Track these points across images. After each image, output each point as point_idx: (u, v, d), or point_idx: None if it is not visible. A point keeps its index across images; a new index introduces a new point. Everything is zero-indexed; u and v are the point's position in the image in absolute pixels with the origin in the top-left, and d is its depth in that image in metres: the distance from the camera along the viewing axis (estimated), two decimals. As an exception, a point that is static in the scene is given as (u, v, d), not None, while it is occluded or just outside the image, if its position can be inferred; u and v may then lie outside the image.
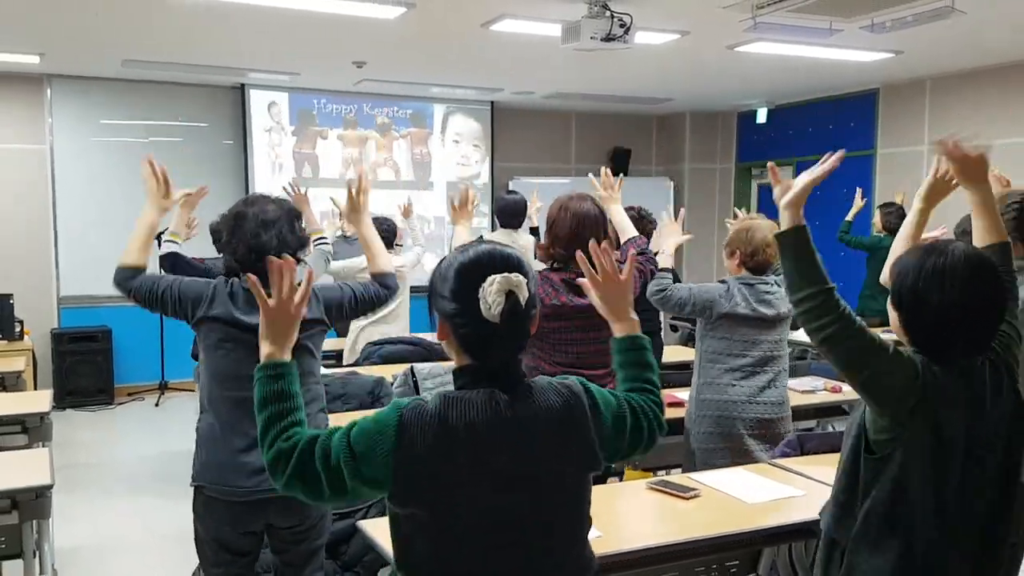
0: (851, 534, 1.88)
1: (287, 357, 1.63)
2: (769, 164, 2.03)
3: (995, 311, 1.84)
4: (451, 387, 1.56)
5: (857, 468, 1.89)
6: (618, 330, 1.76)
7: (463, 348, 1.56)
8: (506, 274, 1.51)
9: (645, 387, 1.74)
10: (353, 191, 2.84)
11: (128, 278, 2.65)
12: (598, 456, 1.60)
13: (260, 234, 2.47)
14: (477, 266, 1.53)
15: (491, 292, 1.49)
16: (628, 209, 5.09)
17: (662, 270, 3.38)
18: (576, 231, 2.94)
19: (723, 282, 3.38)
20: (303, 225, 2.62)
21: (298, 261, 2.58)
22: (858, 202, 6.87)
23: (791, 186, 1.92)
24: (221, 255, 2.67)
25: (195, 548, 2.66)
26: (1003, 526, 1.89)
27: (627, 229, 3.30)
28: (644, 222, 5.11)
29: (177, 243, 3.79)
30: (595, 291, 1.75)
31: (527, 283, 1.53)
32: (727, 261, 3.45)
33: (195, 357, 4.96)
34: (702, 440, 3.37)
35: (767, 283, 3.36)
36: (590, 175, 3.42)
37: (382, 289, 2.72)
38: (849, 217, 6.87)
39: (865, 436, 1.87)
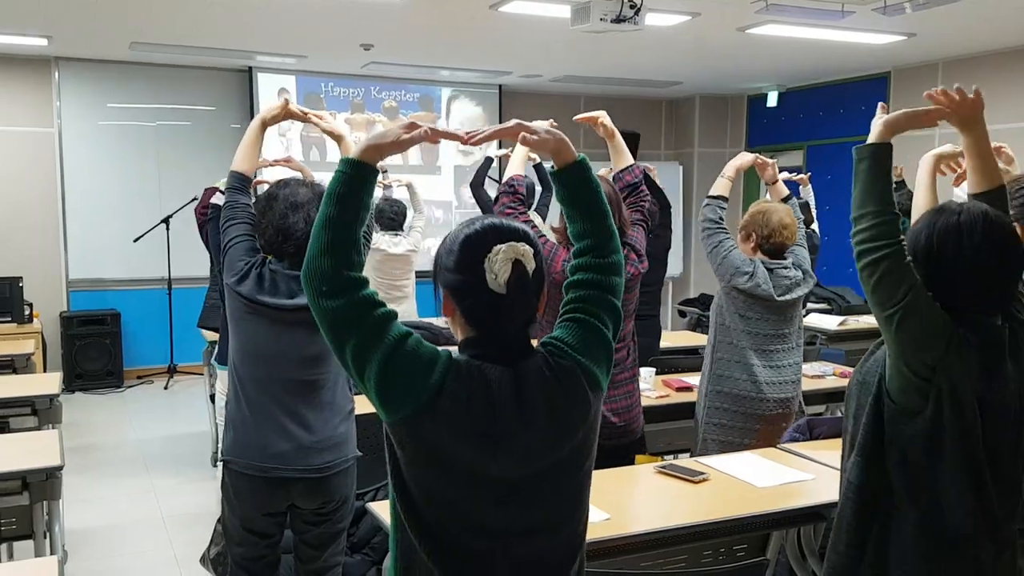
0: (881, 488, 1.84)
1: (374, 160, 1.54)
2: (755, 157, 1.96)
3: (1007, 266, 1.84)
4: None
5: (880, 422, 1.84)
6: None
7: (468, 322, 1.52)
8: (512, 243, 1.48)
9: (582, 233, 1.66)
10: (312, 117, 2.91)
11: (230, 186, 2.65)
12: (593, 438, 1.57)
13: (288, 215, 2.50)
14: (483, 237, 1.50)
15: (497, 261, 1.46)
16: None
17: (719, 196, 3.37)
18: None
19: (752, 261, 3.34)
20: None
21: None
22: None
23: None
24: None
25: (220, 526, 2.68)
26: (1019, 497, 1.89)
27: (623, 155, 3.18)
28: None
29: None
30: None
31: (534, 255, 1.50)
32: (741, 245, 3.42)
33: (203, 325, 4.98)
34: (711, 418, 3.34)
35: (786, 267, 3.33)
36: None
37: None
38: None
39: (886, 391, 1.84)
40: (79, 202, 7.68)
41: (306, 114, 2.86)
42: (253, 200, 2.66)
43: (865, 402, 1.88)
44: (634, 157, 9.95)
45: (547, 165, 3.23)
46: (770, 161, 3.65)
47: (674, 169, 9.79)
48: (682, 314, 7.85)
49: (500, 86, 8.92)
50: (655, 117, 10.13)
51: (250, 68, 7.97)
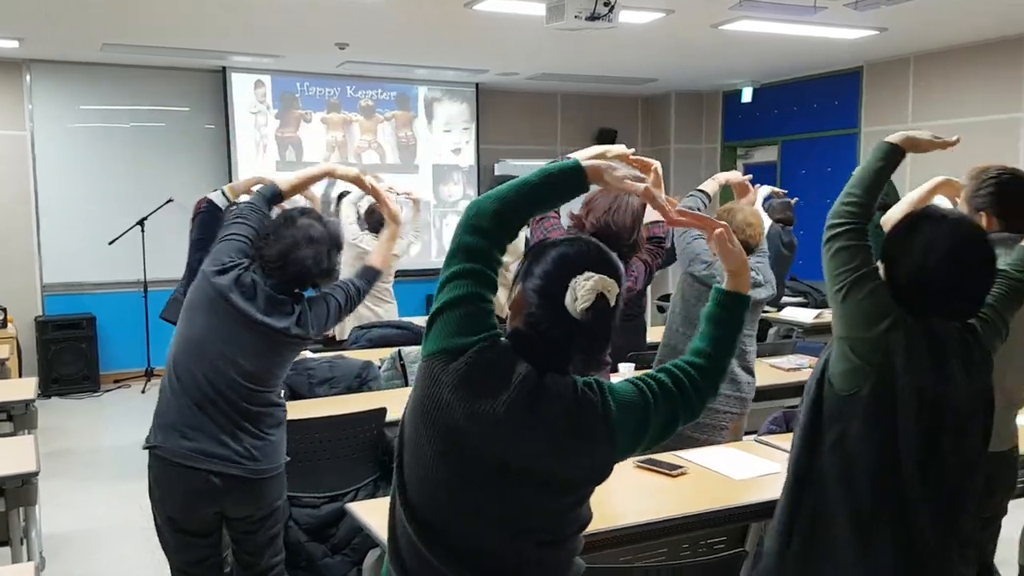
0: (815, 471, 1.91)
1: None
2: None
3: (977, 282, 1.87)
4: None
5: (820, 405, 1.92)
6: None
7: (532, 325, 1.51)
8: (603, 276, 1.48)
9: (704, 352, 1.67)
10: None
11: (267, 198, 2.70)
12: (606, 468, 1.56)
13: (300, 246, 2.47)
14: (579, 259, 1.51)
15: (584, 287, 1.46)
16: None
17: (701, 190, 3.42)
18: (615, 207, 2.91)
19: (715, 256, 3.38)
20: (339, 259, 2.61)
21: (316, 287, 2.59)
22: None
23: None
24: None
25: (159, 539, 2.66)
26: (969, 496, 1.92)
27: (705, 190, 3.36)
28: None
29: (230, 201, 3.53)
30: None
31: (618, 294, 1.50)
32: (708, 243, 3.44)
33: (165, 317, 4.94)
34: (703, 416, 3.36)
35: (752, 268, 3.37)
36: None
37: (365, 284, 2.74)
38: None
39: (828, 375, 1.91)
40: (53, 205, 7.60)
41: (375, 190, 2.90)
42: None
43: (811, 382, 1.96)
44: (611, 154, 9.76)
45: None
46: (753, 187, 3.67)
47: (651, 165, 9.83)
48: (660, 310, 7.90)
49: (477, 84, 8.92)
50: (631, 114, 10.17)
51: (224, 68, 7.91)
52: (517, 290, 1.55)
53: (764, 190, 5.44)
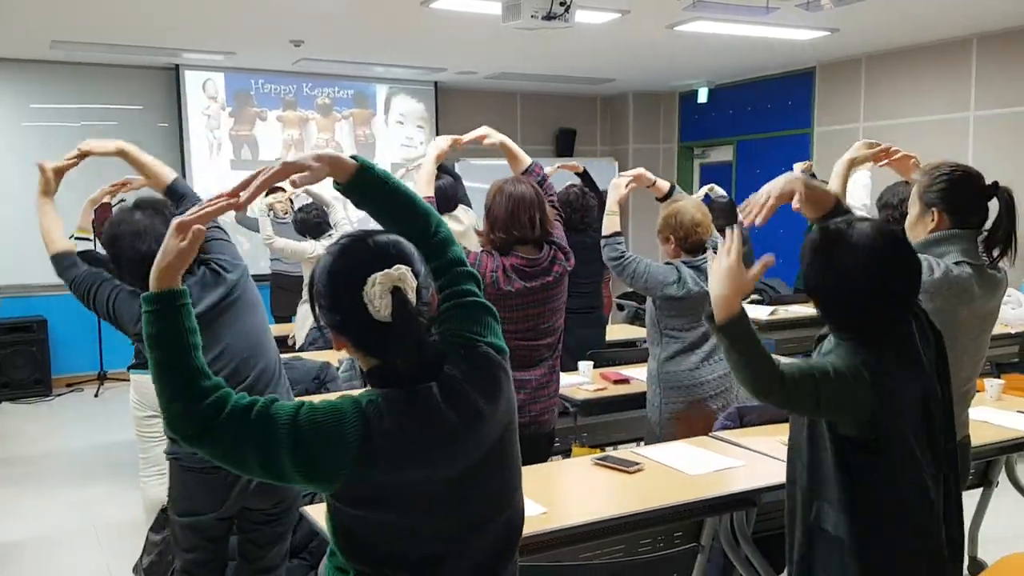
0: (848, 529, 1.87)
1: (179, 285, 1.45)
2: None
3: (904, 279, 1.87)
4: None
5: (820, 447, 1.88)
6: None
7: (364, 353, 1.47)
8: (386, 271, 1.39)
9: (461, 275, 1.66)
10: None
11: (65, 267, 2.66)
12: (514, 404, 1.58)
13: (138, 247, 2.44)
14: (353, 268, 1.41)
15: (375, 295, 1.38)
16: (570, 186, 5.20)
17: (613, 235, 3.44)
18: (513, 213, 2.94)
19: (669, 263, 3.42)
20: (175, 210, 2.56)
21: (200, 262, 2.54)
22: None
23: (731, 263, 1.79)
24: None
25: (152, 535, 2.64)
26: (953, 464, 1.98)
27: (519, 159, 3.30)
28: (588, 198, 5.35)
29: (88, 239, 3.67)
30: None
31: (412, 270, 1.42)
32: (662, 247, 3.49)
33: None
34: (669, 410, 3.39)
35: (707, 261, 3.42)
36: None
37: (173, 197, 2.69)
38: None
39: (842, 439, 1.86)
40: (2, 206, 7.42)
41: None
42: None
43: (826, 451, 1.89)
44: (571, 154, 10.11)
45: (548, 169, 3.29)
46: (636, 172, 3.67)
47: (610, 165, 9.89)
48: (620, 307, 7.95)
49: (436, 83, 8.89)
50: (590, 114, 10.22)
51: (177, 66, 7.80)
52: (328, 330, 1.47)
53: (700, 192, 5.57)
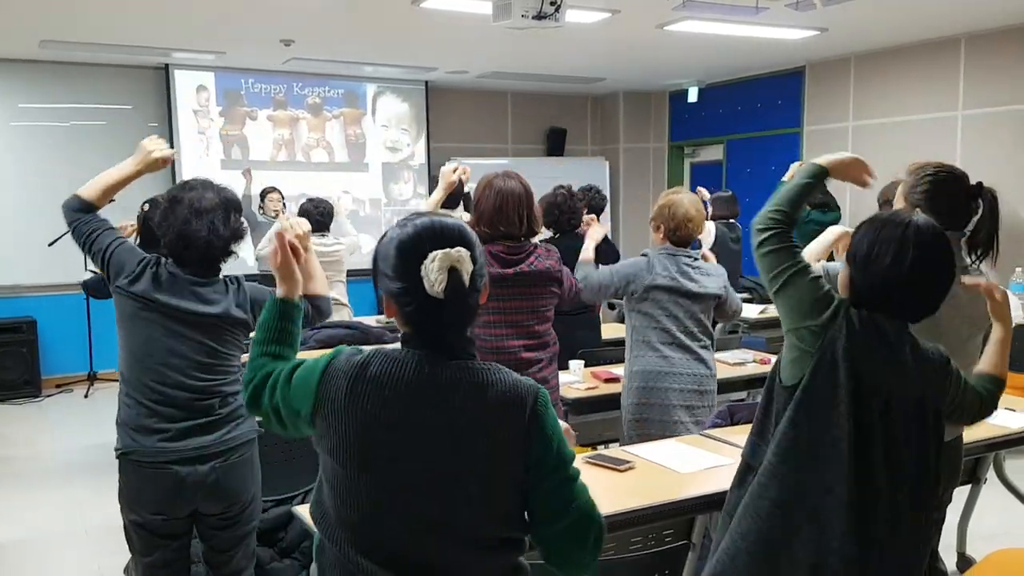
0: (759, 461, 1.98)
1: (291, 296, 1.77)
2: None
3: (937, 285, 1.93)
4: None
5: (771, 397, 2.00)
6: None
7: (410, 324, 1.54)
8: (447, 250, 1.48)
9: None
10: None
11: (77, 208, 2.63)
12: (519, 469, 1.51)
13: (191, 221, 2.43)
14: (417, 242, 1.51)
15: (433, 269, 1.47)
16: (583, 188, 5.27)
17: (585, 262, 3.50)
18: (500, 208, 2.95)
19: (644, 255, 3.46)
20: (241, 217, 2.55)
21: (229, 254, 2.54)
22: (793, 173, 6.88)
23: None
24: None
25: (124, 539, 2.62)
26: (928, 490, 1.97)
27: (586, 252, 3.52)
28: (598, 196, 5.58)
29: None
30: None
31: (471, 255, 1.51)
32: (652, 234, 3.55)
33: None
34: (633, 411, 3.44)
35: (690, 255, 3.45)
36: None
37: (312, 310, 2.57)
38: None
39: (778, 370, 2.00)
40: (-11, 206, 7.40)
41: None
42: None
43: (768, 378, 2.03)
44: (561, 153, 10.13)
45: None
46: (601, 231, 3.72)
47: (600, 164, 9.91)
48: (611, 307, 7.96)
49: (426, 82, 8.89)
50: (581, 113, 10.23)
51: (167, 66, 7.78)
52: (384, 296, 1.57)
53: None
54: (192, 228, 2.42)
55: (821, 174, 2.13)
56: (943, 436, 1.99)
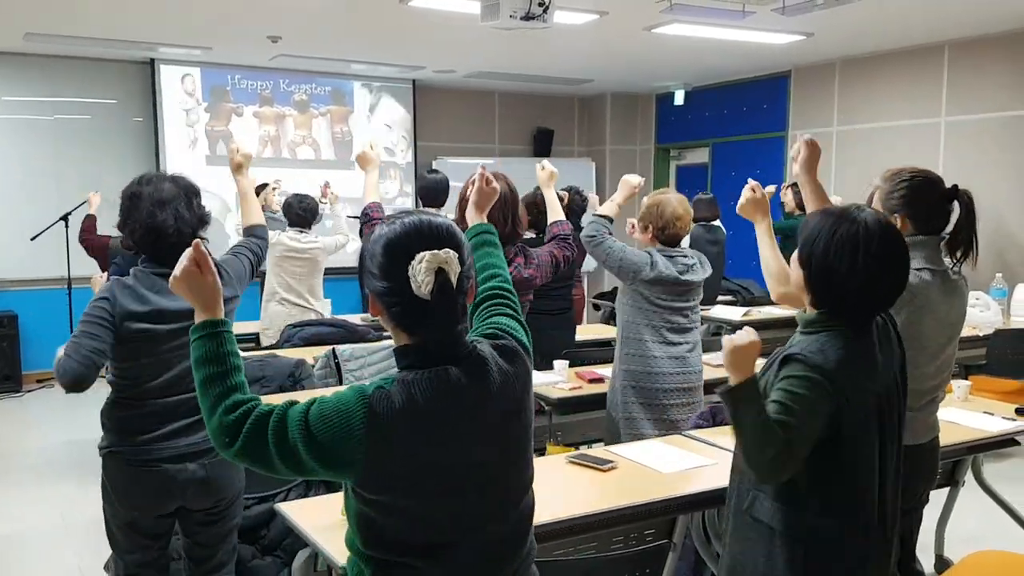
0: (807, 528, 1.91)
1: (219, 315, 1.60)
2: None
3: (897, 277, 1.94)
4: (375, 368, 1.57)
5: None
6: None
7: (398, 326, 1.54)
8: (435, 251, 1.47)
9: (506, 294, 1.80)
10: (236, 156, 2.97)
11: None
12: (532, 406, 1.66)
13: (156, 214, 2.41)
14: (405, 241, 1.50)
15: (420, 271, 1.46)
16: (564, 188, 5.28)
17: (602, 216, 3.49)
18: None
19: (647, 252, 3.50)
20: (201, 202, 2.55)
21: (198, 238, 2.53)
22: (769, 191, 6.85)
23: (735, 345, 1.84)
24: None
25: (108, 538, 2.60)
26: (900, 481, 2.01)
27: (555, 211, 3.34)
28: (579, 198, 5.62)
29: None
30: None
31: (459, 256, 1.51)
32: (640, 235, 3.57)
33: None
34: (627, 410, 3.45)
35: (684, 255, 3.52)
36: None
37: (261, 241, 2.77)
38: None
39: None
40: (-30, 199, 7.33)
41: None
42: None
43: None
44: (548, 154, 10.16)
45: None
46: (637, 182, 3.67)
47: (587, 165, 9.93)
48: (596, 307, 7.98)
49: (414, 81, 8.88)
50: (568, 114, 10.25)
51: (152, 60, 7.73)
52: (369, 294, 1.55)
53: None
54: (158, 220, 2.40)
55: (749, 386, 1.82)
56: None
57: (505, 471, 1.58)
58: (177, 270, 1.61)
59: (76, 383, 2.26)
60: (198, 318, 1.59)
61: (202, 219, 2.52)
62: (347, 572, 1.59)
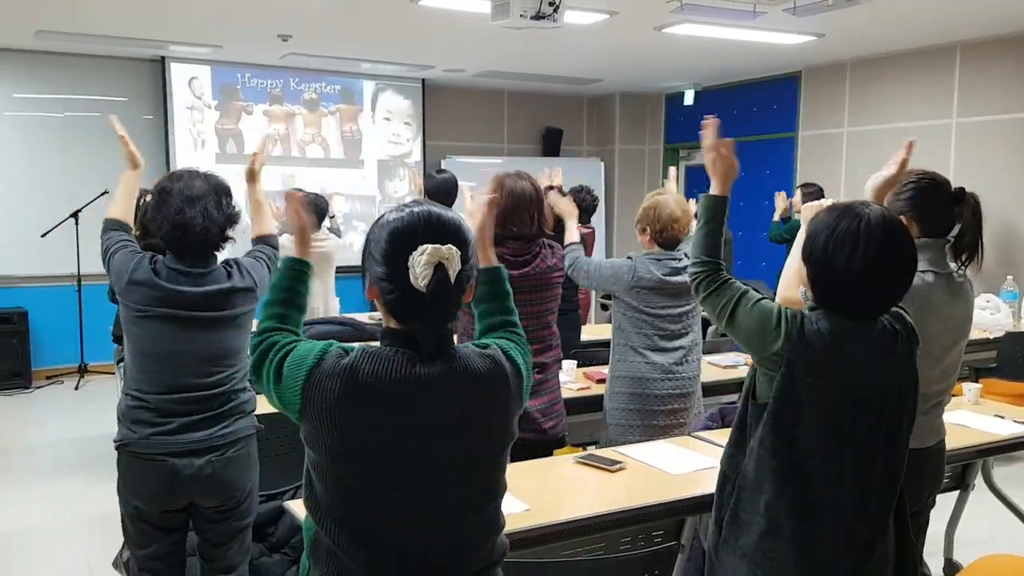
0: (739, 469, 2.01)
1: (304, 256, 1.75)
2: (707, 123, 2.30)
3: (900, 275, 1.92)
4: None
5: (746, 411, 2.02)
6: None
7: (390, 312, 1.54)
8: (437, 245, 1.47)
9: (511, 329, 1.76)
10: (255, 164, 2.93)
11: (110, 228, 2.64)
12: (514, 430, 1.61)
13: (184, 211, 2.43)
14: (411, 231, 1.50)
15: (420, 263, 1.46)
16: (573, 189, 5.29)
17: (569, 244, 3.49)
18: (513, 208, 2.94)
19: (629, 258, 3.44)
20: (232, 201, 2.58)
21: (226, 239, 2.56)
22: (781, 203, 6.76)
23: (723, 155, 2.22)
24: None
25: (121, 530, 2.62)
26: (895, 487, 2.00)
27: (571, 234, 3.48)
28: (589, 197, 5.63)
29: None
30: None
31: (461, 254, 1.50)
32: (639, 237, 3.52)
33: (116, 340, 4.85)
34: (616, 416, 3.43)
35: (676, 257, 3.43)
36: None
37: (274, 251, 2.78)
38: (776, 218, 6.78)
39: (754, 383, 2.00)
40: (-19, 196, 7.37)
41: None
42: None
43: (742, 391, 2.06)
44: (557, 153, 10.15)
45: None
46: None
47: (596, 165, 9.93)
48: (604, 307, 7.97)
49: (423, 80, 8.88)
50: (577, 114, 10.24)
51: (163, 58, 7.75)
52: (368, 277, 1.57)
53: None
54: (187, 217, 2.43)
55: (719, 203, 2.16)
56: (909, 418, 2.00)
57: (455, 477, 1.54)
58: (284, 214, 1.82)
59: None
60: (299, 253, 1.75)
61: (231, 218, 2.54)
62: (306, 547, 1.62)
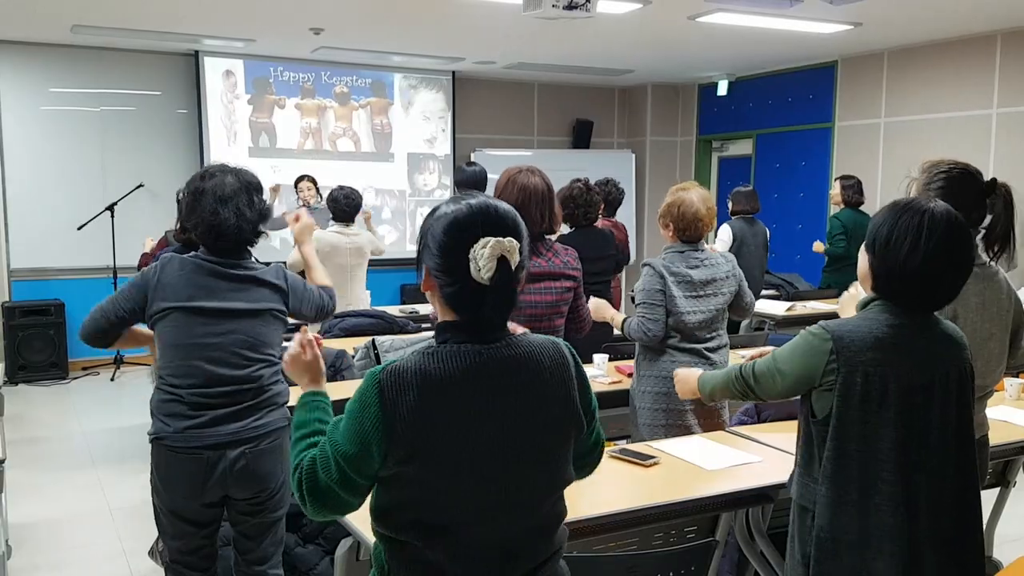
0: (815, 498, 1.96)
1: (319, 387, 1.75)
2: None
3: (958, 272, 1.92)
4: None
5: (810, 433, 1.99)
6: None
7: (448, 305, 1.53)
8: (500, 238, 1.47)
9: None
10: (295, 225, 3.00)
11: None
12: (580, 416, 1.61)
13: (218, 211, 2.46)
14: (471, 224, 1.49)
15: (483, 256, 1.45)
16: (599, 182, 5.23)
17: (623, 323, 3.55)
18: (522, 204, 2.90)
19: (646, 264, 3.39)
20: (263, 197, 2.60)
21: (259, 234, 2.57)
22: (818, 248, 6.61)
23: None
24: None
25: (154, 521, 2.64)
26: (961, 478, 1.96)
27: (618, 318, 3.61)
28: (616, 190, 5.58)
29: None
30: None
31: (520, 246, 1.50)
32: (662, 232, 3.47)
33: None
34: (645, 416, 3.40)
35: (697, 250, 3.38)
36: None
37: (331, 300, 2.81)
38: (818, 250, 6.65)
39: (810, 404, 1.99)
40: (20, 189, 7.48)
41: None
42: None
43: (800, 413, 2.06)
44: (587, 145, 10.11)
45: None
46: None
47: (627, 157, 9.86)
48: (634, 300, 7.93)
49: (453, 72, 8.87)
50: (608, 105, 10.18)
51: (196, 52, 7.82)
52: (424, 269, 1.55)
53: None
54: (221, 218, 2.46)
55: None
56: (970, 405, 1.98)
57: (532, 463, 1.54)
58: (286, 356, 1.77)
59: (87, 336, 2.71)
60: (302, 389, 1.75)
61: (263, 214, 2.56)
62: (375, 555, 1.59)
